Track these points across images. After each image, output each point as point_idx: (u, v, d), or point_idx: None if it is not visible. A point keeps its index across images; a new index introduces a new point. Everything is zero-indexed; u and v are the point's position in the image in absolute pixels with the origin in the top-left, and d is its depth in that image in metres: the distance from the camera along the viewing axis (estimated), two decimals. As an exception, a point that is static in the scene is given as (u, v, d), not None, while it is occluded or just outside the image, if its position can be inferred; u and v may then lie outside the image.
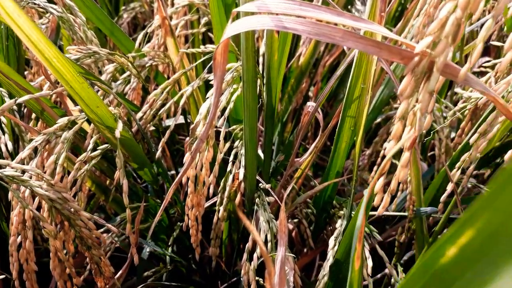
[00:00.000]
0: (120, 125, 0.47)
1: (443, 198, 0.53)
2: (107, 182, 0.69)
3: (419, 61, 0.29)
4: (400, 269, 0.62)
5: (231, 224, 0.73)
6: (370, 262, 0.51)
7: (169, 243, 0.70)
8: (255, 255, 0.50)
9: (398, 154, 0.33)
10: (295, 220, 0.72)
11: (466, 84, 0.31)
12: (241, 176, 0.52)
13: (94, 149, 0.54)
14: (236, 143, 0.57)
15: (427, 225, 0.64)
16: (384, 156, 0.32)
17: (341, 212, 0.61)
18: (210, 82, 0.49)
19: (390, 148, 0.32)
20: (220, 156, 0.52)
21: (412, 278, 0.25)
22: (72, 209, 0.48)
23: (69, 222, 0.49)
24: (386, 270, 0.63)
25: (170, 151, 0.86)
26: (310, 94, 0.98)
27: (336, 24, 0.29)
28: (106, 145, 0.54)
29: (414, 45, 0.29)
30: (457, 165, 0.51)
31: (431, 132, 0.72)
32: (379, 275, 0.74)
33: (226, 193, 0.57)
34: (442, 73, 0.30)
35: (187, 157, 0.47)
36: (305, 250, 0.76)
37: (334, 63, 0.98)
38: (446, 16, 0.28)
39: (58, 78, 0.43)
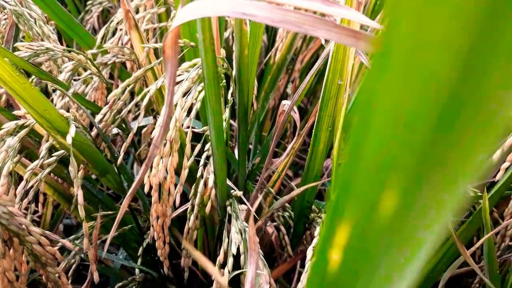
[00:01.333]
0: (72, 129, 0.42)
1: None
2: (71, 189, 0.64)
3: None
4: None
5: (206, 230, 0.69)
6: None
7: (139, 254, 0.65)
8: (226, 270, 0.45)
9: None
10: (275, 223, 0.68)
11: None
12: (210, 183, 0.48)
13: (50, 155, 0.49)
14: (208, 146, 0.53)
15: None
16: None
17: (322, 216, 0.58)
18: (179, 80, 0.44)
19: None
20: (186, 162, 0.47)
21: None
22: (21, 224, 0.43)
23: (19, 238, 0.44)
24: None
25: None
26: (289, 91, 0.93)
27: (314, 13, 0.25)
28: (62, 151, 0.49)
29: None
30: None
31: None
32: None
33: (197, 200, 0.53)
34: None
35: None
36: (285, 255, 0.72)
37: (313, 59, 0.94)
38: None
39: (-6, 78, 0.37)
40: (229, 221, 0.64)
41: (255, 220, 0.58)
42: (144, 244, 0.67)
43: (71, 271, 0.62)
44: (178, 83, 0.44)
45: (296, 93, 0.45)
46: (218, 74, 0.36)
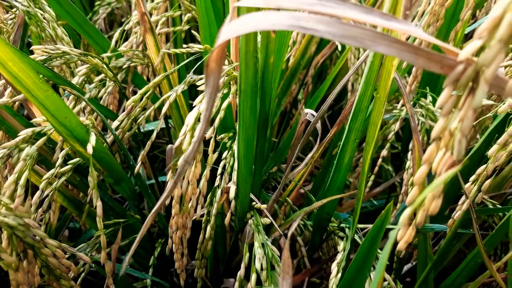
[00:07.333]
0: (93, 138, 0.41)
1: (457, 215, 0.48)
2: (80, 195, 0.62)
3: (463, 70, 0.23)
4: (400, 286, 0.58)
5: (216, 238, 0.67)
6: None
7: (150, 263, 0.64)
8: (249, 285, 0.44)
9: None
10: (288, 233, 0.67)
11: (513, 98, 0.26)
12: (232, 194, 0.46)
13: (64, 163, 0.47)
14: (225, 154, 0.51)
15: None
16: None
17: (342, 227, 0.56)
18: (198, 88, 0.43)
19: (421, 174, 0.26)
20: (208, 172, 0.46)
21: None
22: (36, 236, 0.41)
23: (34, 250, 0.42)
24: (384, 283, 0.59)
25: (148, 157, 0.80)
26: (299, 97, 0.92)
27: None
28: (78, 159, 0.47)
29: (457, 51, 0.23)
30: (471, 178, 0.46)
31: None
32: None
33: (214, 211, 0.51)
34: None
35: (169, 178, 0.41)
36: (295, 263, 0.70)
37: (322, 64, 0.92)
38: (501, 14, 0.22)
39: (16, 85, 0.36)
40: (242, 231, 0.62)
41: (274, 231, 0.57)
42: (156, 253, 0.65)
43: (79, 279, 0.60)
44: (201, 92, 0.42)
45: (325, 103, 0.44)
46: (256, 87, 0.35)
